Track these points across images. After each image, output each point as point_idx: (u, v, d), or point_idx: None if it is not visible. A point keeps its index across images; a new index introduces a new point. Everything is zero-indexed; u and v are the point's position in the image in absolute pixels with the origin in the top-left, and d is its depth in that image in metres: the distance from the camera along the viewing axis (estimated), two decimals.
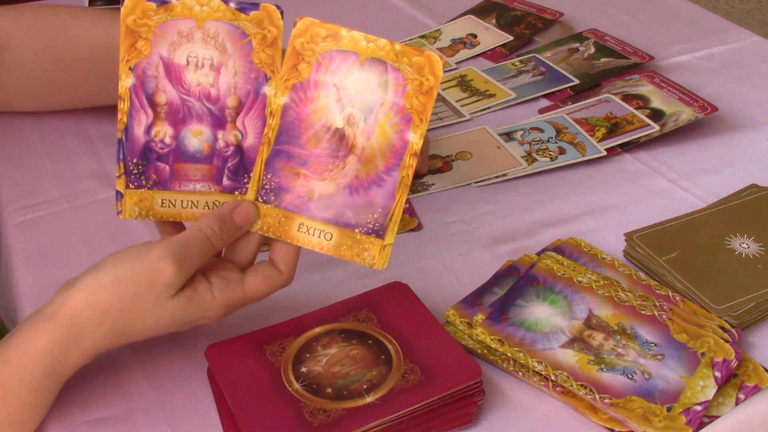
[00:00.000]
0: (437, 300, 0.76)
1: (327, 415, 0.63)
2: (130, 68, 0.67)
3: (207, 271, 0.68)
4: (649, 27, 1.26)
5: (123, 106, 0.68)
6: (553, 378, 0.68)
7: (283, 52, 0.68)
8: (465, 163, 0.97)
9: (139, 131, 0.68)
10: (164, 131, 0.68)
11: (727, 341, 0.70)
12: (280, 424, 0.63)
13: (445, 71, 1.16)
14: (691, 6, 1.33)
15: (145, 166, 0.69)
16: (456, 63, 1.18)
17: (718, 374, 0.67)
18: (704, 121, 1.01)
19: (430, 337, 0.69)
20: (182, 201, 0.70)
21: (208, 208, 0.70)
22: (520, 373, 0.70)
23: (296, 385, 0.66)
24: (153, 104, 0.68)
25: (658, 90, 1.06)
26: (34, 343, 0.64)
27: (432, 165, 0.96)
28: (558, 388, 0.68)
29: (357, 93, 0.66)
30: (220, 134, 0.69)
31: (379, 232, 0.68)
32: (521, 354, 0.69)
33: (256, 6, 0.66)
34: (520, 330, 0.71)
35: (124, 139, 0.68)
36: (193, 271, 0.66)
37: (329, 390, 0.65)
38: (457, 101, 1.08)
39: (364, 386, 0.65)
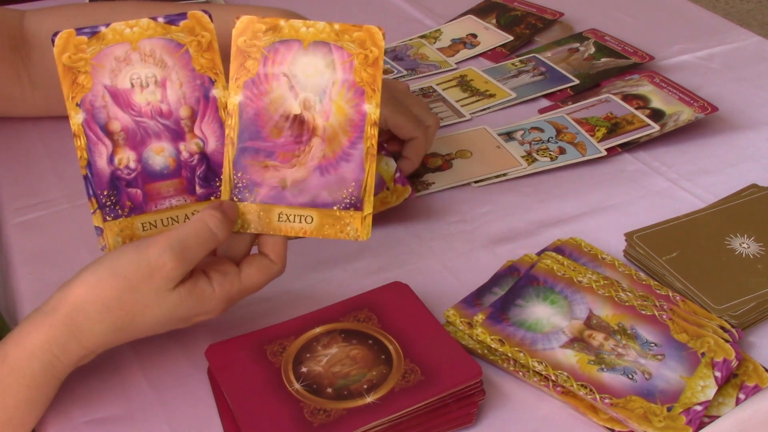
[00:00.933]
0: (437, 300, 0.76)
1: (327, 415, 0.63)
2: (77, 104, 0.67)
3: (204, 268, 0.68)
4: (649, 27, 1.26)
5: (80, 142, 0.68)
6: (553, 378, 0.68)
7: (225, 53, 0.69)
8: (465, 161, 0.97)
9: (102, 163, 0.68)
10: (127, 157, 0.69)
11: (727, 341, 0.70)
12: (280, 424, 0.63)
13: (445, 71, 1.16)
14: (691, 6, 1.33)
15: (117, 195, 0.69)
16: (456, 63, 1.18)
17: (718, 374, 0.67)
18: (704, 121, 1.01)
19: (430, 337, 0.70)
20: (162, 220, 0.70)
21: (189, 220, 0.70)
22: (520, 373, 0.70)
23: (296, 385, 0.66)
24: (109, 134, 0.68)
25: (658, 90, 1.06)
26: (32, 339, 0.63)
27: (432, 163, 0.96)
28: (558, 388, 0.68)
29: (307, 78, 0.67)
30: (181, 146, 0.69)
31: (356, 205, 0.69)
32: (521, 354, 0.69)
33: (183, 15, 0.67)
34: (520, 330, 0.71)
35: (89, 174, 0.68)
36: (194, 265, 0.66)
37: (329, 390, 0.65)
38: (457, 101, 1.08)
39: (365, 386, 0.65)
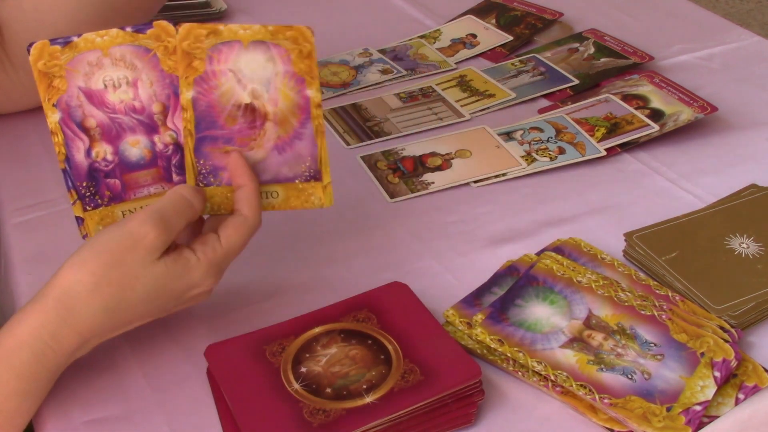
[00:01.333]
0: (437, 300, 0.76)
1: (327, 415, 0.63)
2: (53, 105, 0.71)
3: (186, 242, 0.69)
4: (649, 27, 1.26)
5: (57, 139, 0.71)
6: (552, 378, 0.68)
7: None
8: (465, 161, 0.97)
9: (80, 157, 0.72)
10: (104, 150, 0.72)
11: (726, 341, 0.70)
12: (279, 424, 0.63)
13: (444, 71, 1.16)
14: (691, 6, 1.33)
15: (96, 186, 0.72)
16: (456, 63, 1.18)
17: (717, 374, 0.67)
18: (704, 121, 1.01)
19: (429, 337, 0.70)
20: (141, 207, 0.73)
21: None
22: (519, 373, 0.70)
23: (296, 385, 0.66)
24: (85, 129, 0.72)
25: (657, 90, 1.06)
26: (22, 327, 0.63)
27: (432, 162, 0.96)
28: (558, 388, 0.68)
29: (252, 71, 0.72)
30: (156, 138, 0.73)
31: (316, 176, 0.74)
32: (521, 354, 0.69)
33: (150, 25, 0.71)
34: (519, 330, 0.71)
35: (68, 167, 0.72)
36: (175, 234, 0.67)
37: (329, 390, 0.65)
38: (457, 101, 1.08)
39: (364, 386, 0.65)
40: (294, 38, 0.71)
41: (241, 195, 0.71)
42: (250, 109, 0.72)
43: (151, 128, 0.72)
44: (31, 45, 0.70)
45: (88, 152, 0.72)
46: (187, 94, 0.71)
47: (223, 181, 0.73)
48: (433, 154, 0.98)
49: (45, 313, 0.63)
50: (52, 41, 0.70)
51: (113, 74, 0.71)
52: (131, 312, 0.66)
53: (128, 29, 0.71)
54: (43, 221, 0.89)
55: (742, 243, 0.81)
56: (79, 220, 0.72)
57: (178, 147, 0.73)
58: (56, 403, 0.68)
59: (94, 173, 0.72)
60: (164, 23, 0.71)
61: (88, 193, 0.72)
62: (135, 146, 0.72)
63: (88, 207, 0.72)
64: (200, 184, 0.73)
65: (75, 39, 0.70)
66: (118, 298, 0.64)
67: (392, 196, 0.93)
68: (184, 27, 0.71)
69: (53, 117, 0.71)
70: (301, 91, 0.72)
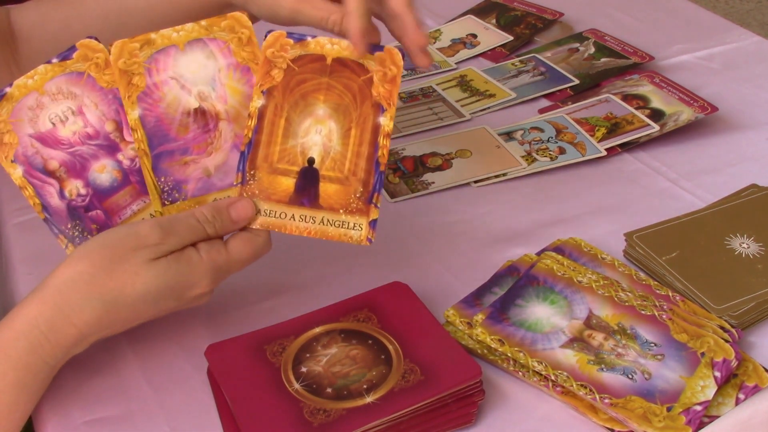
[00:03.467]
0: (437, 300, 0.76)
1: (327, 415, 0.63)
2: (12, 161, 0.71)
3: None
4: (649, 27, 1.26)
5: (28, 192, 0.71)
6: (553, 378, 0.68)
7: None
8: (465, 161, 0.97)
9: (55, 201, 0.72)
10: (75, 186, 0.72)
11: (727, 341, 0.70)
12: (280, 424, 0.63)
13: (445, 71, 1.16)
14: (691, 6, 1.33)
15: (81, 223, 0.72)
16: (456, 63, 1.18)
17: (718, 374, 0.67)
18: (704, 121, 1.01)
19: (430, 337, 0.70)
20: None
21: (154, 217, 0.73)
22: (520, 373, 0.70)
23: (296, 385, 0.66)
24: (50, 173, 0.71)
25: (658, 90, 1.06)
26: (20, 318, 0.63)
27: (432, 162, 0.96)
28: (558, 388, 0.68)
29: (194, 73, 0.71)
30: (120, 156, 0.72)
31: None
32: (521, 354, 0.69)
33: (73, 49, 0.71)
34: (520, 330, 0.71)
35: (48, 216, 0.72)
36: (179, 241, 0.67)
37: (329, 390, 0.65)
38: (457, 101, 1.08)
39: (364, 386, 0.65)
40: (230, 27, 0.70)
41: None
42: (200, 113, 0.71)
43: (111, 149, 0.72)
44: None
45: (61, 194, 0.71)
46: (133, 114, 0.70)
47: (188, 194, 0.72)
48: (434, 154, 0.98)
49: (43, 303, 0.63)
50: None
51: (56, 110, 0.71)
52: (129, 309, 0.66)
53: (54, 60, 0.70)
54: (43, 221, 0.89)
55: (743, 243, 0.81)
56: None
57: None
58: (56, 402, 0.68)
59: (75, 211, 0.72)
60: (86, 41, 0.71)
61: (76, 233, 0.72)
62: (103, 172, 0.72)
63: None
64: (166, 202, 0.72)
65: (8, 90, 0.70)
66: (117, 292, 0.64)
67: (392, 196, 0.93)
68: (116, 45, 0.70)
69: (16, 173, 0.71)
70: (249, 81, 0.71)
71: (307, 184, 0.71)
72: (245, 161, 0.71)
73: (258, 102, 0.70)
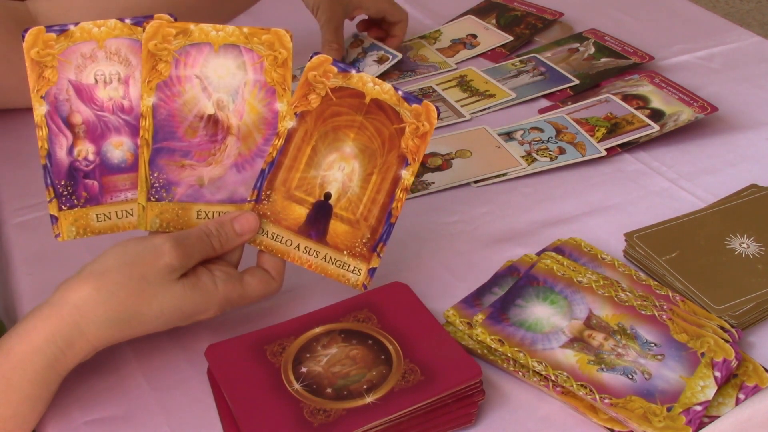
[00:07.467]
0: (437, 300, 0.76)
1: (327, 415, 0.63)
2: (41, 97, 0.69)
3: (209, 265, 0.70)
4: (649, 27, 1.26)
5: (41, 133, 0.70)
6: (553, 378, 0.68)
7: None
8: (465, 161, 0.97)
9: (61, 154, 0.70)
10: (86, 149, 0.71)
11: (727, 341, 0.70)
12: (280, 424, 0.63)
13: (445, 71, 1.16)
14: (691, 6, 1.33)
15: (74, 185, 0.71)
16: (456, 63, 1.18)
17: (718, 374, 0.67)
18: (704, 121, 1.01)
19: (430, 337, 0.70)
20: (116, 212, 0.72)
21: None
22: (520, 373, 0.70)
23: (296, 385, 0.66)
24: (70, 126, 0.70)
25: (658, 90, 1.06)
26: (38, 332, 0.63)
27: (432, 163, 0.96)
28: (558, 388, 0.68)
29: (219, 79, 0.69)
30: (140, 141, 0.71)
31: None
32: (521, 354, 0.69)
33: (150, 17, 0.69)
34: (520, 330, 0.71)
35: (48, 164, 0.70)
36: (193, 262, 0.67)
37: (329, 390, 0.65)
38: (457, 101, 1.08)
39: (364, 386, 0.65)
40: (270, 43, 0.69)
41: (268, 258, 0.72)
42: (213, 121, 0.70)
43: (136, 130, 0.71)
44: (26, 31, 0.68)
45: (70, 150, 0.70)
46: (147, 100, 0.69)
47: (176, 197, 0.71)
48: (434, 154, 0.98)
49: (60, 319, 0.64)
50: (48, 28, 0.68)
51: (105, 69, 0.69)
52: (141, 327, 0.66)
53: (127, 20, 0.69)
54: (43, 221, 0.89)
55: (743, 243, 0.81)
56: (53, 219, 0.71)
57: None
58: (57, 403, 0.68)
59: (74, 172, 0.71)
60: (166, 17, 0.69)
61: (66, 192, 0.71)
62: (118, 148, 0.71)
63: (63, 206, 0.71)
64: (151, 198, 0.71)
65: (71, 27, 0.68)
66: (133, 311, 0.65)
67: None
68: (152, 25, 0.68)
69: (40, 110, 0.69)
70: (270, 104, 0.70)
71: (319, 218, 0.71)
72: (264, 179, 0.70)
73: (289, 123, 0.70)
